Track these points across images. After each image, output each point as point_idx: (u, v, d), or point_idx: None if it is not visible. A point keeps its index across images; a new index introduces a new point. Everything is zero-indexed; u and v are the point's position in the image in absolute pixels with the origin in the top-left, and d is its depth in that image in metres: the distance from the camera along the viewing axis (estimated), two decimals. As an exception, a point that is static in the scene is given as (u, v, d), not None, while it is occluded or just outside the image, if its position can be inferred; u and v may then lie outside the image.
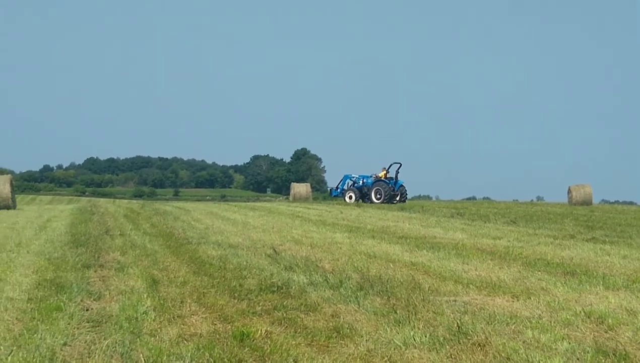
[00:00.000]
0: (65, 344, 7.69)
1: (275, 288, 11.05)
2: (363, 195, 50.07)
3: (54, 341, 7.71)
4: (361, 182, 51.25)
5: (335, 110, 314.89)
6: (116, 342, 7.67)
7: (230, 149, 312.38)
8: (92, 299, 10.23)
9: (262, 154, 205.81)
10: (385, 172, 50.99)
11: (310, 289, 10.92)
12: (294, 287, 11.09)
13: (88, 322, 8.76)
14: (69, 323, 8.57)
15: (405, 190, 50.64)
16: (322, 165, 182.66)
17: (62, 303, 9.65)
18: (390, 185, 49.74)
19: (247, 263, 13.72)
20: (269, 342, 7.88)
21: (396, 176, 50.96)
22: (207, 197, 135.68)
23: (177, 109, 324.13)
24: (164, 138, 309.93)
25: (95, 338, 7.88)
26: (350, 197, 50.05)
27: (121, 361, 7.03)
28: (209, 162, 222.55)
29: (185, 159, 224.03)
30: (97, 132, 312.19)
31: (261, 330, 8.31)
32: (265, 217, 29.57)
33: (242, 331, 8.27)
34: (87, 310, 9.51)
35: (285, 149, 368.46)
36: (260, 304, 9.99)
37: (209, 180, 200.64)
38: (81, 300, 10.03)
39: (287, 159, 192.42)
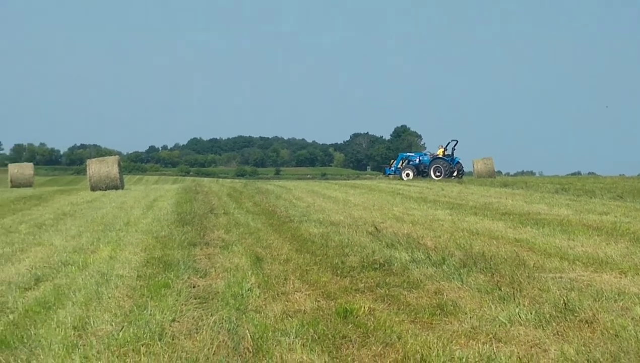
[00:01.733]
0: (173, 320, 7.89)
1: (378, 266, 11.06)
2: (420, 173, 51.55)
3: (163, 317, 7.92)
4: (417, 159, 52.87)
5: (435, 85, 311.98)
6: (223, 318, 7.82)
7: (330, 127, 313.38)
8: (198, 276, 10.45)
9: (362, 132, 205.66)
10: (443, 149, 52.72)
11: (413, 266, 10.89)
12: (396, 264, 11.09)
13: (195, 299, 8.96)
14: (177, 300, 8.78)
15: (462, 167, 52.31)
16: (422, 142, 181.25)
17: (170, 281, 9.90)
18: (448, 162, 51.44)
19: (349, 240, 13.77)
20: (372, 319, 7.92)
21: (452, 153, 52.83)
22: (308, 176, 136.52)
23: (278, 89, 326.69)
24: (265, 118, 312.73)
25: (203, 315, 8.05)
26: (408, 175, 51.33)
27: (228, 337, 7.16)
28: (309, 140, 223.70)
29: (285, 138, 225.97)
30: (200, 113, 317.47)
31: (364, 307, 8.35)
32: (366, 194, 29.59)
33: (346, 308, 8.32)
34: (194, 287, 9.73)
35: (385, 126, 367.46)
36: (363, 281, 10.03)
37: (309, 158, 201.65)
38: (188, 278, 10.25)
39: (387, 137, 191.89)
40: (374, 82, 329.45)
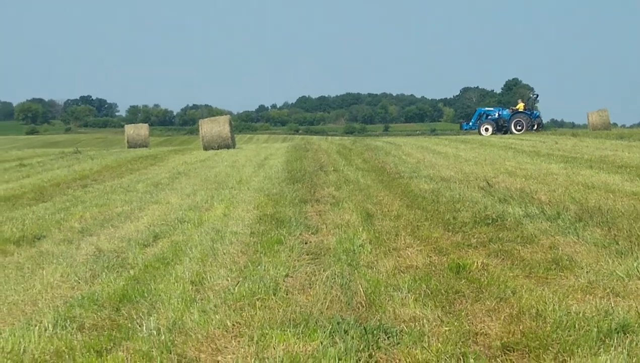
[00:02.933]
0: (287, 275, 8.00)
1: (490, 221, 10.94)
2: (499, 128, 51.47)
3: (277, 272, 8.04)
4: (496, 114, 52.76)
5: (547, 36, 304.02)
6: (335, 274, 7.89)
7: (439, 82, 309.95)
8: (310, 233, 10.56)
9: (472, 86, 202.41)
10: (523, 103, 53.28)
11: (527, 221, 10.73)
12: (509, 219, 10.94)
13: (307, 255, 9.07)
14: (289, 256, 8.90)
15: (542, 120, 53.08)
16: (534, 95, 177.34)
17: (282, 237, 10.03)
18: (529, 116, 51.70)
19: (460, 196, 13.65)
20: (485, 274, 7.86)
21: (532, 107, 53.87)
22: (417, 132, 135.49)
23: (384, 45, 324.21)
24: (372, 74, 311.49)
25: (315, 270, 8.14)
26: (487, 130, 51.24)
27: (341, 292, 7.23)
28: (418, 96, 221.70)
29: (394, 94, 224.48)
30: (308, 71, 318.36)
31: (477, 262, 8.29)
32: (477, 149, 29.23)
33: (458, 263, 8.29)
34: (306, 243, 9.84)
35: (496, 79, 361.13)
36: (475, 236, 9.95)
37: (418, 114, 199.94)
38: (300, 234, 10.37)
39: (498, 90, 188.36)
40: (483, 33, 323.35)
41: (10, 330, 6.41)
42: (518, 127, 50.71)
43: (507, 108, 54.19)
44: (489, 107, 58.30)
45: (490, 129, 51.05)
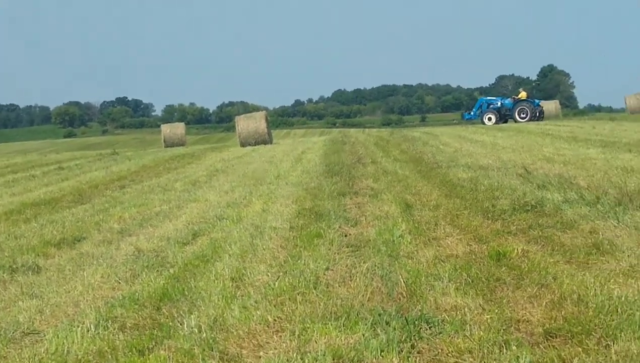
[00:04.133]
0: (327, 269, 8.01)
1: (529, 207, 10.87)
2: (502, 117, 51.93)
3: (317, 266, 8.05)
4: (499, 103, 53.24)
5: (582, 20, 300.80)
6: (375, 265, 7.89)
7: (474, 70, 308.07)
8: (349, 225, 10.56)
9: (507, 74, 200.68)
10: (525, 92, 54.13)
11: (566, 207, 10.64)
12: (548, 206, 10.87)
13: (347, 247, 9.07)
14: (329, 249, 8.91)
15: (542, 108, 53.33)
16: (570, 81, 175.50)
17: (322, 230, 10.03)
18: (532, 104, 52.44)
19: (499, 183, 13.57)
20: (526, 261, 7.81)
21: (532, 96, 55.69)
22: (454, 121, 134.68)
23: (420, 35, 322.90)
24: (408, 65, 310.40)
25: (355, 262, 8.14)
26: (490, 119, 51.59)
27: (381, 283, 7.23)
28: (454, 85, 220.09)
29: (429, 84, 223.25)
30: (343, 64, 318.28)
31: (517, 249, 8.24)
32: (515, 137, 29.04)
33: (498, 251, 8.25)
34: (345, 236, 9.85)
35: (531, 66, 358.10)
36: (515, 224, 9.89)
37: (455, 103, 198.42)
38: (339, 227, 10.38)
39: (533, 77, 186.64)
40: (518, 19, 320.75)
41: (53, 331, 6.49)
42: (522, 115, 51.15)
43: (509, 97, 54.86)
44: (490, 96, 59.34)
45: (494, 118, 51.35)
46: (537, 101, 54.29)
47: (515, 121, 50.20)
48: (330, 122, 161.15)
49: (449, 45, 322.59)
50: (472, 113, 55.28)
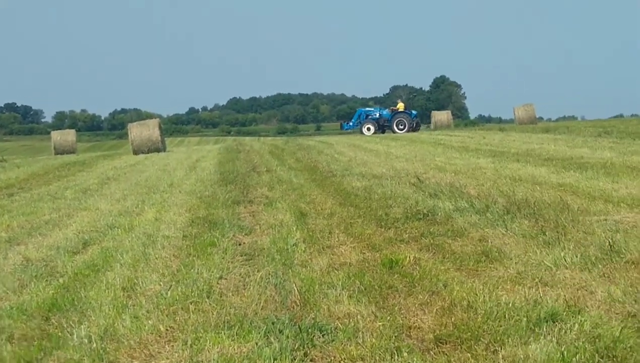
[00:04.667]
0: (221, 277, 7.96)
1: (421, 216, 11.05)
2: (380, 127, 53.18)
3: (210, 275, 7.99)
4: (377, 114, 54.61)
5: (474, 33, 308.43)
6: (269, 274, 7.88)
7: (368, 80, 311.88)
8: (243, 234, 10.53)
9: (401, 84, 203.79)
10: (403, 104, 55.76)
11: (457, 215, 10.87)
12: (439, 214, 11.07)
13: (241, 256, 9.03)
14: (223, 258, 8.86)
15: (419, 120, 55.44)
16: (462, 92, 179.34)
17: (215, 239, 9.97)
18: (410, 115, 53.92)
19: (392, 192, 13.76)
20: (418, 268, 7.93)
21: (409, 107, 57.28)
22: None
23: (315, 44, 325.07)
24: (303, 74, 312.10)
25: (249, 271, 8.12)
26: (369, 129, 52.72)
27: (275, 291, 7.23)
28: (349, 95, 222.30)
29: (325, 93, 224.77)
30: (238, 73, 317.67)
31: (409, 257, 8.36)
32: (408, 146, 29.50)
33: (391, 258, 8.34)
34: (239, 244, 9.81)
35: (424, 77, 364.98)
36: (407, 232, 10.03)
37: (350, 113, 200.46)
38: (233, 235, 10.33)
39: (426, 88, 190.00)
40: (411, 31, 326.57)
41: (-64, 343, 6.26)
42: (400, 126, 52.16)
43: (387, 108, 56.10)
44: (368, 107, 60.78)
45: (372, 129, 52.26)
46: (414, 113, 55.66)
47: (394, 132, 51.07)
48: (225, 130, 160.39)
49: (344, 55, 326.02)
50: (351, 123, 56.12)
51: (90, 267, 8.86)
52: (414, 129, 52.39)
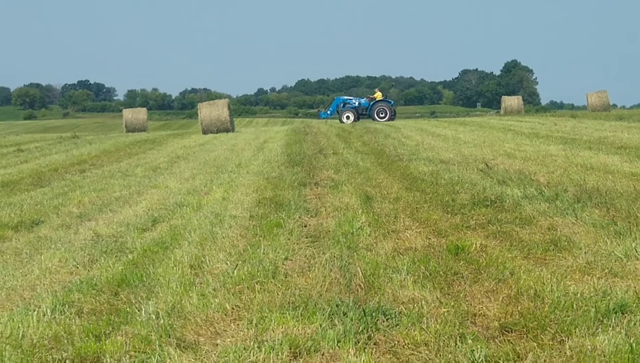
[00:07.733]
0: (286, 258, 8.01)
1: (489, 202, 10.94)
2: (359, 115, 53.22)
3: (276, 256, 8.04)
4: (356, 103, 54.72)
5: (546, 17, 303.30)
6: (334, 256, 7.89)
7: (438, 64, 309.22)
8: (309, 216, 10.56)
9: (471, 68, 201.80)
10: (380, 93, 55.89)
11: (525, 202, 10.73)
12: (507, 201, 10.95)
13: (307, 238, 9.07)
14: (289, 239, 8.90)
15: (395, 109, 55.50)
16: (533, 77, 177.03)
17: (281, 220, 10.02)
18: (389, 104, 54.25)
19: (459, 178, 13.65)
20: (484, 255, 7.87)
21: (386, 96, 57.56)
22: (417, 114, 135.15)
23: (385, 26, 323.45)
24: (372, 56, 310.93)
25: (315, 253, 8.14)
26: (348, 118, 52.50)
27: (340, 274, 7.24)
28: (417, 78, 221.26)
29: (393, 76, 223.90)
30: (307, 54, 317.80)
31: (476, 244, 8.29)
32: (476, 131, 29.22)
33: (457, 245, 8.29)
34: (305, 226, 9.84)
35: (495, 61, 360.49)
36: (474, 218, 9.95)
37: (418, 97, 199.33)
38: (299, 217, 10.37)
39: (497, 72, 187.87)
40: (483, 14, 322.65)
41: (9, 315, 6.43)
42: (382, 115, 52.32)
43: (364, 97, 56.10)
44: (347, 96, 61.23)
45: (352, 117, 52.14)
46: (392, 102, 56.18)
47: (374, 120, 51.03)
48: (293, 112, 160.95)
49: (414, 38, 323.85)
50: (328, 111, 56.26)
51: (159, 244, 8.99)
52: (391, 118, 52.66)
